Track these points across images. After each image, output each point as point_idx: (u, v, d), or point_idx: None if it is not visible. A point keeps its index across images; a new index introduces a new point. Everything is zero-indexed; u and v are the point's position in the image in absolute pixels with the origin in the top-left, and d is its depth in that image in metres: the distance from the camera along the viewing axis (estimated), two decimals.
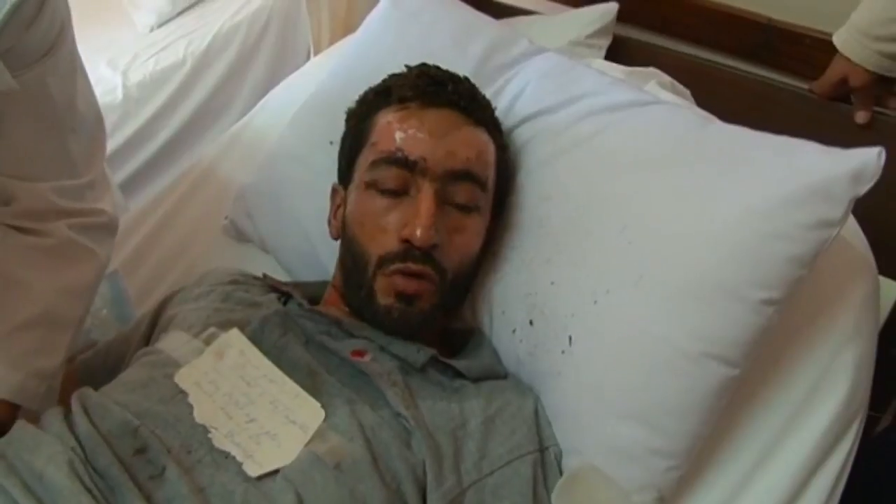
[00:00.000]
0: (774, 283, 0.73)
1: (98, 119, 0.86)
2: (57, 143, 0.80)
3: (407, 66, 0.91)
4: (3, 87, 0.67)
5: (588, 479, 0.76)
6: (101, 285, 0.90)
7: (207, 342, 0.78)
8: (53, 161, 0.81)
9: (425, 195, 0.81)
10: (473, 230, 0.85)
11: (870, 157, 0.73)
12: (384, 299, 0.81)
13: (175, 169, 1.63)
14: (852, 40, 1.09)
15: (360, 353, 0.80)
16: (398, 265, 0.81)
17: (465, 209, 0.84)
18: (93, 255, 0.84)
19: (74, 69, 0.80)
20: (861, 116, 1.14)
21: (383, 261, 0.81)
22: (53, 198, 0.80)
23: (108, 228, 0.88)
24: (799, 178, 0.74)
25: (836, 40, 1.12)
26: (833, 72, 1.15)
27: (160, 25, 1.85)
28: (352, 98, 0.94)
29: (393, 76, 0.91)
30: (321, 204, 0.97)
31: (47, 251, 0.80)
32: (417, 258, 0.80)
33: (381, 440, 0.71)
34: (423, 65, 0.91)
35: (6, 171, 0.78)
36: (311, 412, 0.72)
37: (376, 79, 0.92)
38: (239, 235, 1.12)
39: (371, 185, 0.84)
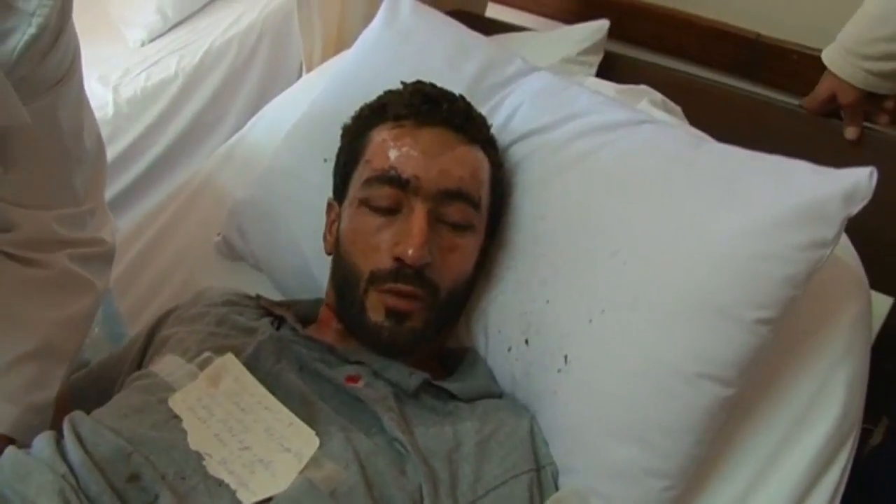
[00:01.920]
0: (768, 302, 0.74)
1: (100, 147, 0.87)
2: (62, 173, 0.80)
3: (403, 83, 0.91)
4: (16, 121, 0.67)
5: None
6: None
7: (202, 367, 0.78)
8: (58, 190, 0.81)
9: (418, 214, 0.81)
10: (466, 249, 0.85)
11: (862, 177, 0.73)
12: (374, 316, 0.81)
13: (166, 185, 1.61)
14: (840, 58, 1.11)
15: (354, 379, 0.80)
16: (389, 284, 0.81)
17: (458, 228, 0.84)
18: (90, 287, 0.84)
19: (82, 98, 0.80)
20: (851, 132, 1.15)
21: (375, 277, 0.81)
22: (55, 227, 0.80)
23: (106, 258, 0.88)
24: (792, 199, 0.75)
25: (825, 58, 1.13)
26: (822, 88, 1.16)
27: (151, 41, 1.84)
28: (346, 115, 0.94)
29: (388, 93, 0.91)
30: (314, 221, 0.97)
31: (45, 283, 0.80)
32: (409, 278, 0.80)
33: (376, 468, 0.71)
34: (419, 82, 0.91)
35: (9, 198, 0.77)
36: (305, 440, 0.71)
37: (370, 97, 0.92)
38: (231, 253, 1.12)
39: (364, 203, 0.84)
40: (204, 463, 0.69)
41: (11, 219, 0.78)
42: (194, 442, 0.70)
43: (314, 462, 0.70)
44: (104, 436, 0.69)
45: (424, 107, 0.86)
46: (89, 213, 0.84)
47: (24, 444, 0.73)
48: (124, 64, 1.72)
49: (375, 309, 0.81)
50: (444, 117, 0.86)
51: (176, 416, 0.73)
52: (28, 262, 0.79)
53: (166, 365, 0.80)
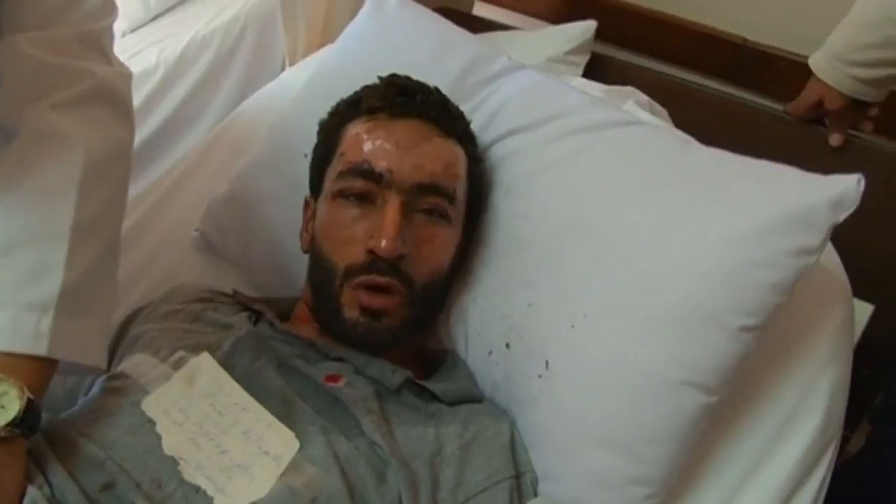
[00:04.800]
0: (753, 309, 0.73)
1: None
2: None
3: (379, 77, 0.90)
4: None
5: None
6: None
7: (176, 367, 0.76)
8: (21, 10, 0.70)
9: (391, 207, 0.80)
10: (442, 240, 0.84)
11: (849, 185, 0.73)
12: (349, 312, 0.80)
13: (145, 178, 1.58)
14: (827, 64, 1.11)
15: (335, 378, 0.78)
16: (363, 277, 0.80)
17: (432, 221, 0.83)
18: (69, 144, 0.70)
19: None
20: (835, 139, 1.16)
21: (349, 272, 0.80)
22: (27, 48, 0.70)
23: (97, 96, 0.74)
24: (779, 205, 0.74)
25: (812, 63, 1.13)
26: (808, 94, 1.16)
27: (132, 31, 1.81)
28: (327, 110, 0.92)
29: (365, 87, 0.90)
30: (294, 217, 0.95)
31: (15, 158, 0.69)
32: (383, 270, 0.79)
33: (358, 473, 0.70)
34: (393, 75, 0.90)
35: None
36: (284, 442, 0.70)
37: (353, 91, 0.91)
38: (209, 248, 1.10)
39: (338, 197, 0.83)
40: (179, 468, 0.67)
41: None
42: (169, 447, 0.68)
43: (294, 466, 0.68)
44: (76, 442, 0.67)
45: (399, 99, 0.85)
46: (76, 40, 0.74)
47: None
48: None
49: (350, 306, 0.80)
50: (419, 109, 0.85)
51: (150, 420, 0.70)
52: (10, 136, 0.70)
53: (138, 365, 0.78)
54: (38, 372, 0.66)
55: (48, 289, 0.66)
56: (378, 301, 0.80)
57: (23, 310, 0.65)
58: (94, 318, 0.72)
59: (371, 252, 0.79)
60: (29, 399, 0.63)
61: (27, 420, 0.63)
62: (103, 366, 0.73)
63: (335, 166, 0.85)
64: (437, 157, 0.84)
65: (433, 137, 0.84)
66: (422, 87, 0.88)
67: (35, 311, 0.65)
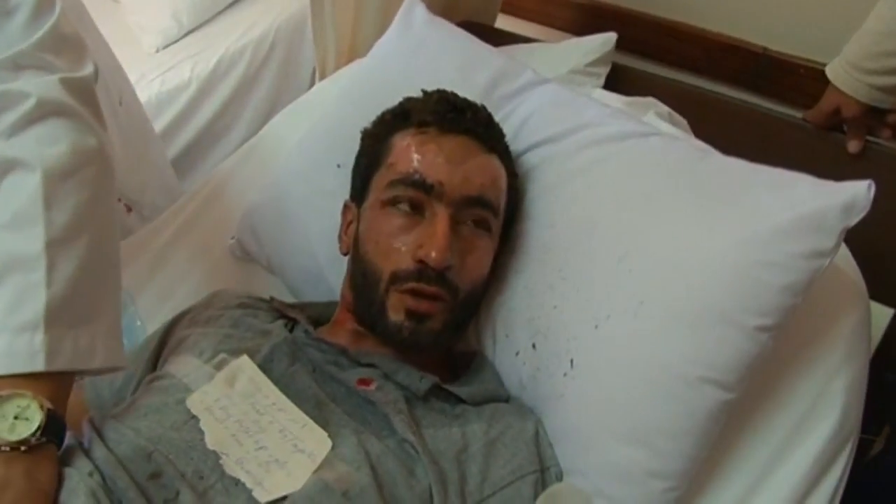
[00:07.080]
0: (769, 310, 0.76)
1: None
2: None
3: (424, 91, 0.93)
4: None
5: (568, 496, 0.78)
6: None
7: (218, 368, 0.80)
8: None
9: (441, 218, 0.83)
10: (484, 252, 0.88)
11: (860, 190, 0.75)
12: (395, 315, 0.83)
13: (182, 189, 1.64)
14: (844, 73, 1.12)
15: (366, 382, 0.82)
16: (412, 284, 0.82)
17: (478, 233, 0.86)
18: (25, 167, 0.72)
19: None
20: (853, 146, 1.17)
21: (396, 277, 0.83)
22: None
23: (41, 115, 0.73)
24: (792, 210, 0.77)
25: (829, 72, 1.15)
26: (826, 102, 1.17)
27: (166, 46, 1.87)
28: (359, 122, 0.96)
29: (410, 99, 0.93)
30: (327, 225, 0.99)
31: None
32: (431, 279, 0.82)
33: (387, 469, 0.73)
34: (442, 91, 0.93)
35: None
36: (318, 441, 0.73)
37: (384, 105, 0.95)
38: (245, 255, 1.14)
39: (387, 205, 0.86)
40: (221, 462, 0.71)
41: None
42: (212, 442, 0.72)
43: (327, 463, 0.72)
44: (125, 435, 0.72)
45: (449, 115, 0.88)
46: (9, 65, 0.74)
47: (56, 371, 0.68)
48: (139, 69, 1.75)
49: (396, 309, 0.83)
50: (467, 126, 0.88)
51: (194, 417, 0.75)
52: None
53: (182, 366, 0.82)
54: (52, 385, 0.69)
55: (34, 308, 0.68)
56: (423, 305, 0.83)
57: (15, 333, 0.67)
58: (97, 322, 0.73)
59: (420, 261, 0.82)
60: (49, 409, 0.67)
61: (51, 428, 0.67)
62: (119, 364, 0.74)
63: (384, 175, 0.88)
64: (485, 171, 0.87)
65: (479, 153, 0.88)
66: (470, 105, 0.91)
67: (26, 332, 0.68)
